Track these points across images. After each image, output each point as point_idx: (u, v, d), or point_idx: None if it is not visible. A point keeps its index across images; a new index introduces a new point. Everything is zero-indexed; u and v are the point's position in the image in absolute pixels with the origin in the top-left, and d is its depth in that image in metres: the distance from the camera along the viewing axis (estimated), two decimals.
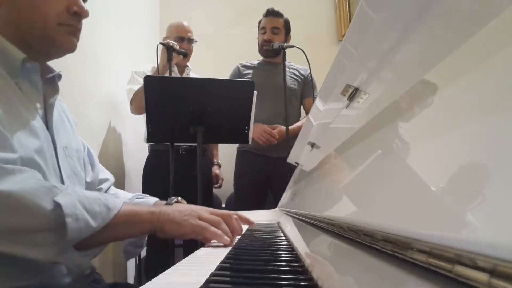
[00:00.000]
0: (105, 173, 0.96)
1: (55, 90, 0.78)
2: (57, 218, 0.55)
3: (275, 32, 2.08)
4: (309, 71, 2.05)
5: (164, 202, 0.91)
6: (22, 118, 0.66)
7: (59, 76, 0.80)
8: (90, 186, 0.87)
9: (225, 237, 0.68)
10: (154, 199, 0.95)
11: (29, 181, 0.56)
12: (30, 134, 0.66)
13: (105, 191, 0.94)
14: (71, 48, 0.76)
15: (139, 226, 0.67)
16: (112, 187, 0.98)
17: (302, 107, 2.22)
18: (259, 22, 2.16)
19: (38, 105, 0.72)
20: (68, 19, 0.73)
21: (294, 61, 2.20)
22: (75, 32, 0.75)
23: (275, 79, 2.05)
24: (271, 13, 2.11)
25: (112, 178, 0.98)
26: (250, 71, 2.16)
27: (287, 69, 2.13)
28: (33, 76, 0.71)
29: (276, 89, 2.00)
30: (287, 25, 2.13)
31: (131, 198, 0.95)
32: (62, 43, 0.74)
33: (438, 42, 0.30)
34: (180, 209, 0.71)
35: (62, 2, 0.72)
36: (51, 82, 0.78)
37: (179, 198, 0.92)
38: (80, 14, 0.74)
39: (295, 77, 2.15)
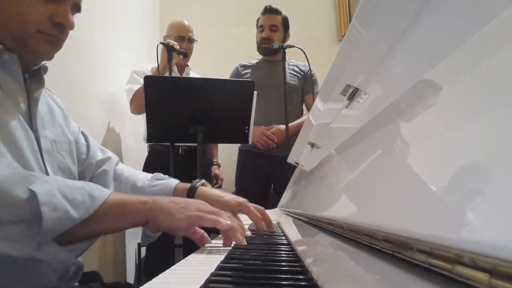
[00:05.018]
0: (105, 153, 0.91)
1: (41, 83, 0.75)
2: (32, 207, 0.49)
3: (273, 29, 2.06)
4: (309, 67, 2.03)
5: (188, 184, 0.88)
6: None
7: (44, 69, 0.76)
8: (87, 169, 0.84)
9: (225, 221, 0.63)
10: (175, 181, 0.90)
11: (3, 170, 0.52)
12: (4, 138, 0.62)
13: (113, 172, 0.90)
14: (48, 56, 0.73)
15: (128, 217, 0.62)
16: (122, 166, 0.94)
17: (304, 104, 2.19)
18: (257, 20, 2.14)
19: (21, 98, 0.69)
20: (50, 28, 0.70)
21: (294, 60, 2.19)
22: (55, 41, 0.72)
23: (275, 76, 2.03)
24: (269, 11, 2.09)
25: (115, 157, 0.93)
26: (249, 70, 2.14)
27: (287, 65, 2.12)
28: (13, 67, 0.68)
29: (276, 86, 1.98)
30: (285, 22, 2.11)
31: (150, 179, 0.90)
32: (37, 50, 0.71)
33: (438, 42, 0.30)
34: (176, 200, 0.66)
35: (46, 11, 0.69)
36: (37, 75, 0.74)
37: (204, 180, 0.88)
38: (64, 26, 0.71)
39: (295, 73, 2.13)
